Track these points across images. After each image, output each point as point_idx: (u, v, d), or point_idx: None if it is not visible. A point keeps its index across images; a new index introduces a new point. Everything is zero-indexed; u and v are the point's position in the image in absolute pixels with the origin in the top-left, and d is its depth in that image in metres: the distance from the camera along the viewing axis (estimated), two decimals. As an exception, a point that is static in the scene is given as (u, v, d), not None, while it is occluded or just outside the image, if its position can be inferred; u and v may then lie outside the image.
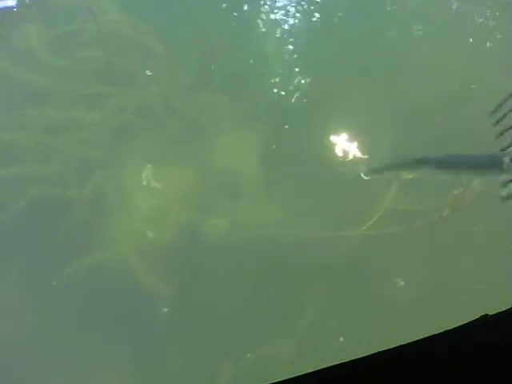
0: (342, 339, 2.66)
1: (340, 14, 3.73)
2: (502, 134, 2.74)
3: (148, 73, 3.46)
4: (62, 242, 2.97)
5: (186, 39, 3.60)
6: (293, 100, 3.44)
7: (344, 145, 3.29)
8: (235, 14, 3.72)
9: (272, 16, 3.73)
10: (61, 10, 3.62)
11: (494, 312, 1.28)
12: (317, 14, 3.74)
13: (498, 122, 2.74)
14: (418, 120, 3.35)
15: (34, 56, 3.51)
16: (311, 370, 1.11)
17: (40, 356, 2.66)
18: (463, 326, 1.23)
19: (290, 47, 3.68)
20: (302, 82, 3.53)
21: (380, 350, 1.12)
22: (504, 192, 2.81)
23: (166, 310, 2.78)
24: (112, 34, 3.54)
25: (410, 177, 2.93)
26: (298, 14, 3.80)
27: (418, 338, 1.14)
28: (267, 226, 3.05)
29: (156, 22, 3.64)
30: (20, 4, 3.46)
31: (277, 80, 3.57)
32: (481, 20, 3.56)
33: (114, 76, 3.42)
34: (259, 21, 3.70)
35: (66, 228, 3.02)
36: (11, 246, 2.97)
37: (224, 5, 3.76)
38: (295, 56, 3.64)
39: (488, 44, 3.52)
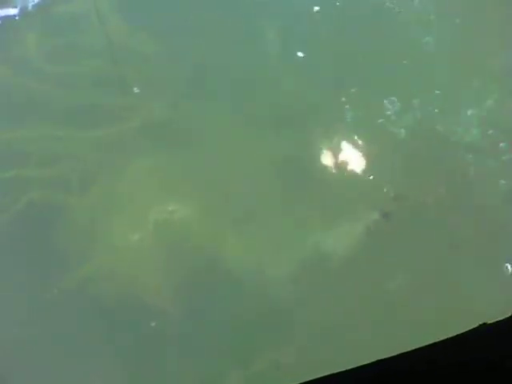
0: (340, 347, 2.66)
1: (340, 18, 3.75)
2: None
3: (148, 81, 3.47)
4: (61, 247, 2.97)
5: (185, 46, 3.61)
6: (295, 104, 3.45)
7: (349, 149, 3.30)
8: (236, 18, 3.74)
9: (271, 20, 3.75)
10: (63, 20, 3.64)
11: (493, 321, 1.29)
12: (318, 18, 3.76)
13: None
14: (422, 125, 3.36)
15: (34, 64, 3.52)
16: (311, 378, 1.12)
17: (38, 360, 2.67)
18: (462, 334, 1.24)
19: (291, 51, 3.69)
20: (304, 87, 3.54)
21: (379, 358, 1.13)
22: None
23: (166, 317, 2.78)
24: (113, 44, 3.56)
25: None
26: (298, 18, 3.81)
27: (417, 347, 1.15)
28: (271, 235, 3.06)
29: (157, 30, 3.65)
30: (22, 13, 3.48)
31: (277, 84, 3.58)
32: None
33: (115, 85, 3.43)
34: (259, 25, 3.73)
35: (66, 234, 3.03)
36: (8, 250, 2.98)
37: (225, 10, 3.78)
38: (297, 61, 3.65)
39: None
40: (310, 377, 1.14)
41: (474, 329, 1.31)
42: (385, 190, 3.23)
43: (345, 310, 2.94)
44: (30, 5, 3.53)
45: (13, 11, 3.53)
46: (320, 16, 3.94)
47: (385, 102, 3.58)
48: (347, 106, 3.58)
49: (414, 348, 1.17)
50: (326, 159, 3.43)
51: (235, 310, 2.87)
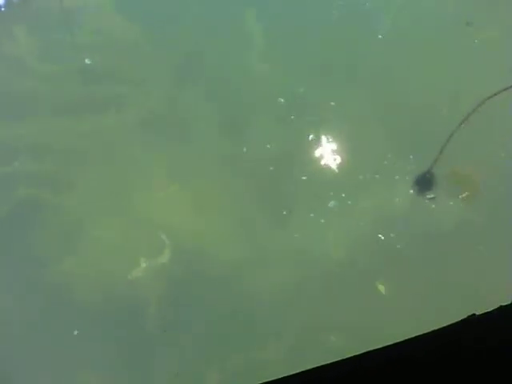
0: (333, 338, 2.67)
1: (329, 19, 3.75)
2: None
3: (137, 77, 3.44)
4: (49, 241, 2.95)
5: (175, 42, 3.58)
6: (283, 105, 3.44)
7: (334, 153, 3.30)
8: (227, 16, 3.72)
9: (261, 20, 3.73)
10: (50, 11, 3.59)
11: (482, 312, 1.29)
12: (308, 19, 3.76)
13: None
14: (409, 125, 3.37)
15: (21, 58, 3.48)
16: (301, 370, 1.11)
17: (28, 355, 2.66)
18: (452, 325, 1.24)
19: (280, 51, 3.68)
20: (292, 86, 3.54)
21: (368, 350, 1.13)
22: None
23: (153, 312, 2.78)
24: (102, 37, 3.52)
25: None
26: (288, 18, 3.80)
27: (406, 338, 1.15)
28: (260, 233, 3.06)
29: (147, 25, 3.62)
30: (7, 3, 3.43)
31: (266, 84, 3.57)
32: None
33: (104, 80, 3.40)
34: (249, 25, 3.71)
35: (53, 230, 3.00)
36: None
37: (216, 6, 3.76)
38: (286, 60, 3.64)
39: (492, 50, 3.54)
40: (288, 372, 1.14)
41: (462, 319, 1.31)
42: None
43: (333, 308, 2.95)
44: (16, -4, 3.49)
45: (-2, 2, 3.49)
46: (307, 11, 3.94)
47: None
48: (335, 101, 3.59)
49: (401, 340, 1.17)
50: (318, 152, 3.43)
51: (215, 309, 2.87)
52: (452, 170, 3.18)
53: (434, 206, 3.08)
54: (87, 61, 3.45)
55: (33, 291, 2.83)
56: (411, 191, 3.15)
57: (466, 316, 1.31)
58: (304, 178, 3.20)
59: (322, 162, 3.26)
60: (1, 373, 2.61)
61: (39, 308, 2.79)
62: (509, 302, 1.33)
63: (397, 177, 3.19)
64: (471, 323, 1.28)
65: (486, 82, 3.36)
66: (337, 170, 3.24)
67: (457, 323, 1.25)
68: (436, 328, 1.24)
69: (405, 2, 3.92)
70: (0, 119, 3.37)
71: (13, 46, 3.46)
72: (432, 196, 3.11)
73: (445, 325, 1.22)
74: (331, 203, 3.14)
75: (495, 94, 3.24)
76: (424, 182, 3.17)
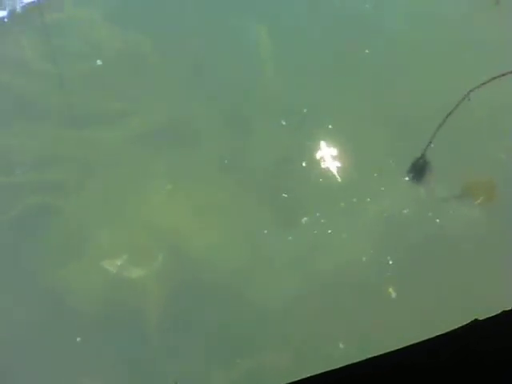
0: (341, 345, 2.67)
1: (328, 23, 3.77)
2: None
3: (140, 87, 3.47)
4: (51, 250, 2.97)
5: (180, 49, 3.61)
6: (290, 105, 3.47)
7: (334, 156, 3.30)
8: (229, 22, 3.75)
9: (263, 26, 3.76)
10: (53, 22, 3.63)
11: (484, 317, 1.30)
12: (307, 23, 3.78)
13: None
14: (409, 129, 3.38)
15: (26, 67, 3.51)
16: (305, 377, 1.12)
17: (29, 360, 2.67)
18: (455, 330, 1.25)
19: (281, 56, 3.70)
20: (295, 92, 3.57)
21: (372, 355, 1.13)
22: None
23: (155, 316, 2.79)
24: (104, 45, 3.55)
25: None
26: (289, 24, 3.83)
27: (409, 344, 1.16)
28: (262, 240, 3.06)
29: (149, 33, 3.66)
30: (11, 14, 3.47)
31: (269, 92, 3.60)
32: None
33: (108, 89, 3.43)
34: (251, 30, 3.73)
35: (57, 237, 3.02)
36: (4, 253, 2.98)
37: (216, 13, 3.79)
38: (288, 67, 3.66)
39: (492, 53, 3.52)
40: (291, 379, 1.14)
41: (465, 325, 1.31)
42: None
43: (333, 316, 2.94)
44: (19, 7, 3.53)
45: (1, 13, 3.53)
46: (311, 17, 3.96)
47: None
48: (337, 104, 3.60)
49: (405, 345, 1.17)
50: (322, 158, 3.43)
51: (217, 317, 2.87)
52: (462, 173, 3.17)
53: (441, 208, 3.08)
54: (90, 71, 3.47)
55: (35, 296, 2.84)
56: (417, 194, 3.15)
57: (468, 321, 1.31)
58: (308, 185, 3.21)
59: (325, 168, 3.26)
60: (1, 375, 2.63)
61: (41, 313, 2.80)
62: (512, 307, 1.33)
63: (404, 180, 3.19)
64: (474, 328, 1.28)
65: (500, 84, 3.29)
66: (342, 177, 3.24)
67: (458, 329, 1.25)
68: (439, 334, 1.24)
69: (406, 2, 3.93)
70: (3, 126, 3.40)
71: (18, 56, 3.49)
72: (439, 198, 3.11)
73: (447, 330, 1.23)
74: (337, 209, 3.14)
75: (491, 80, 3.16)
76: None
